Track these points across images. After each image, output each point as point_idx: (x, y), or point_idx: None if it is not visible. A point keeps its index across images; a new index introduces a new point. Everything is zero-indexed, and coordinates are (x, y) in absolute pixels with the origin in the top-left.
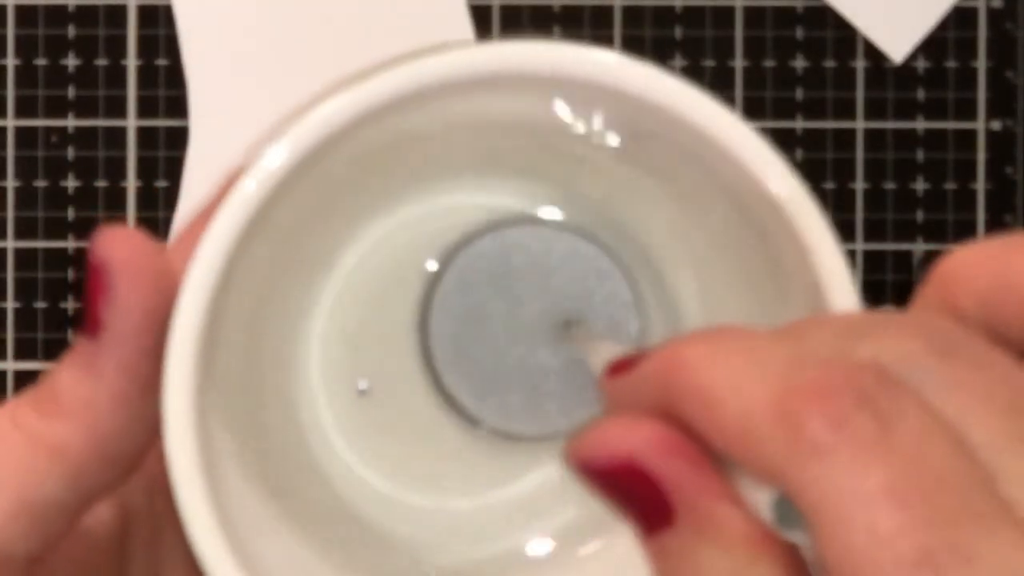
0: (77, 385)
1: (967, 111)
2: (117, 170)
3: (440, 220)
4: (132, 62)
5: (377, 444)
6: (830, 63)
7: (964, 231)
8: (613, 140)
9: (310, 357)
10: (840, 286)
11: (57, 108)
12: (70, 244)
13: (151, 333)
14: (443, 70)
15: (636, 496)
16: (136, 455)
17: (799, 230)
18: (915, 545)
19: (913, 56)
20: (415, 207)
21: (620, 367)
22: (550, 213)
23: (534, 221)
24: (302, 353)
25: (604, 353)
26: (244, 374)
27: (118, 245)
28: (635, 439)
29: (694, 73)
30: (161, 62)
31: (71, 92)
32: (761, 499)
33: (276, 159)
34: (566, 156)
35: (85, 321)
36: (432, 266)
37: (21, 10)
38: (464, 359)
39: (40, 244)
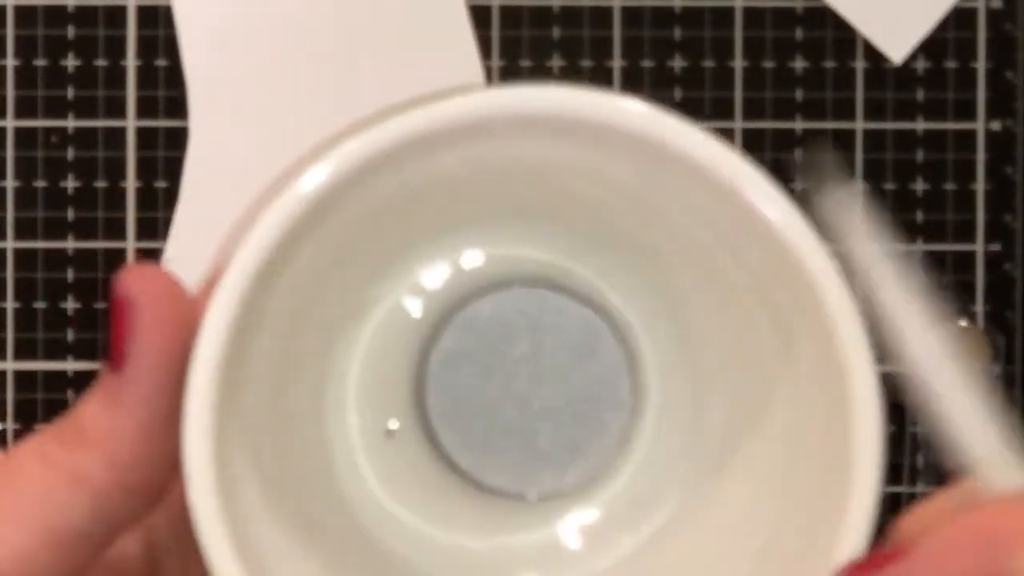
0: (100, 416)
1: (967, 111)
2: (117, 170)
3: (466, 264)
4: (131, 63)
5: (403, 482)
6: (830, 64)
7: (964, 231)
8: (628, 180)
9: (342, 396)
10: (851, 336)
11: (57, 109)
12: (70, 244)
13: (174, 369)
14: (459, 113)
15: None
16: (158, 486)
17: (808, 277)
18: None
19: (913, 57)
20: (442, 252)
21: (874, 563)
22: (569, 261)
23: (528, 283)
24: (334, 391)
25: None
26: (272, 410)
27: (143, 282)
28: None
29: (693, 74)
30: (160, 63)
31: (71, 93)
32: None
33: (303, 191)
34: (584, 200)
35: (110, 354)
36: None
37: (20, 11)
38: (460, 418)
39: (40, 244)
